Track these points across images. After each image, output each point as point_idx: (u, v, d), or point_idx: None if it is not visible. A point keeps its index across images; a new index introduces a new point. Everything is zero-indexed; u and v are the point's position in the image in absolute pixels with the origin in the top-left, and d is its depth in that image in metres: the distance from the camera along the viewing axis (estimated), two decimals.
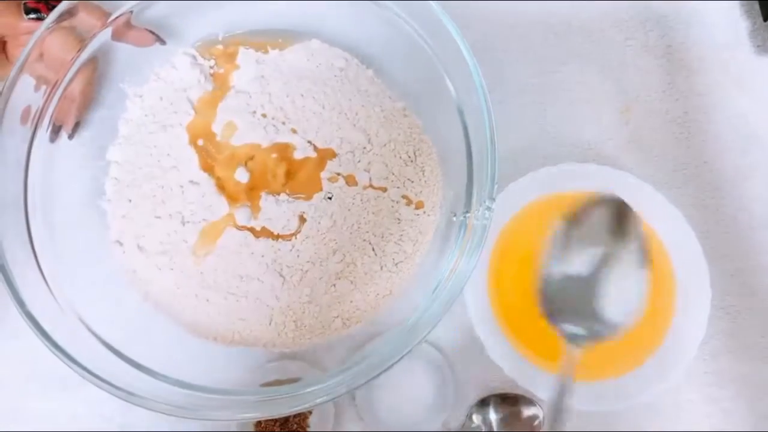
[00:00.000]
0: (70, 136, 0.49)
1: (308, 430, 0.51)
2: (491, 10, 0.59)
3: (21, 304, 0.40)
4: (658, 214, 0.50)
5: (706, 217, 0.56)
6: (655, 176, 0.56)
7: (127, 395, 0.39)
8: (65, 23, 0.44)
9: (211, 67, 0.51)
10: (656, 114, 0.58)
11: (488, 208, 0.41)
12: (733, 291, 0.54)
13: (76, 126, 0.49)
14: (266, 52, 0.52)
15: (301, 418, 0.51)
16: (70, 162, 0.49)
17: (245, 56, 0.52)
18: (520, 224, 0.51)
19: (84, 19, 0.45)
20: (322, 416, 0.51)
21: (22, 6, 0.47)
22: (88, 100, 0.50)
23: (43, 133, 0.46)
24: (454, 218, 0.46)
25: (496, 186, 0.41)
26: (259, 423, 0.51)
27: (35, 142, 0.46)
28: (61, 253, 0.45)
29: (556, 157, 0.57)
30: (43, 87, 0.46)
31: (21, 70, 0.44)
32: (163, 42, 0.50)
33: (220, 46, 0.52)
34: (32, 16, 0.47)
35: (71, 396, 0.52)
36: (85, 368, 0.39)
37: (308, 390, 0.41)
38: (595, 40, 0.60)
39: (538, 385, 0.47)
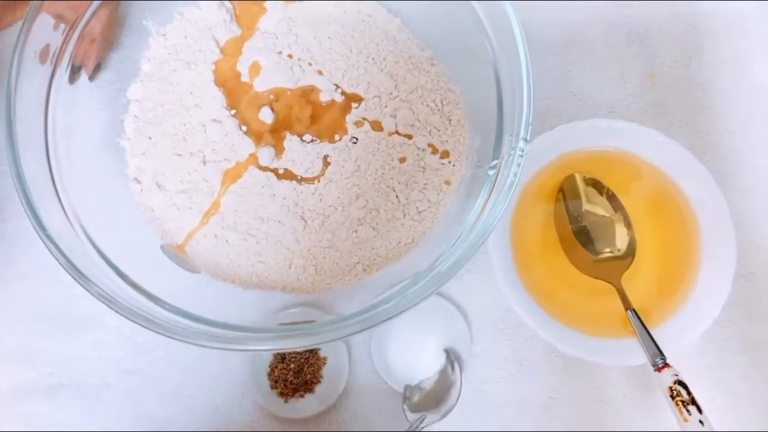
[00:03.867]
0: (91, 78, 0.48)
1: (322, 380, 0.50)
2: None
3: (42, 228, 0.39)
4: (685, 172, 0.50)
5: (728, 185, 0.55)
6: (677, 141, 0.56)
7: (144, 320, 0.38)
8: None
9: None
10: (681, 80, 0.58)
11: (521, 150, 0.40)
12: (754, 259, 0.54)
13: (97, 67, 0.48)
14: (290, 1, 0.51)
15: (316, 368, 0.50)
16: (89, 102, 0.48)
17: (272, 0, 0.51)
18: (546, 179, 0.50)
19: None
20: (336, 368, 0.50)
21: None
22: (110, 41, 0.49)
23: (63, 73, 0.46)
24: (480, 170, 0.45)
25: (530, 127, 0.40)
26: (273, 371, 0.50)
27: (54, 82, 0.45)
28: (80, 190, 0.44)
29: (580, 117, 0.56)
30: (62, 26, 0.45)
31: (39, 7, 0.43)
32: None
33: None
34: None
35: (79, 338, 0.51)
36: (102, 290, 0.38)
37: (322, 329, 0.40)
38: (622, 3, 0.59)
39: (560, 338, 0.47)
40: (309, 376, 0.50)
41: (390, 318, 0.39)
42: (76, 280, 0.38)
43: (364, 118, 0.48)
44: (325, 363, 0.51)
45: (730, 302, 0.50)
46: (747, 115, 0.57)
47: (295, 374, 0.50)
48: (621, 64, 0.58)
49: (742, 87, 0.58)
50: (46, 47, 0.45)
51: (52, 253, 0.39)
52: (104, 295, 0.38)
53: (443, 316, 0.52)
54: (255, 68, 0.49)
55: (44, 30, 0.44)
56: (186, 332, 0.38)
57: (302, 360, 0.50)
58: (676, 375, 0.44)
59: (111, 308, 0.38)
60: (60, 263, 0.39)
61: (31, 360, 0.51)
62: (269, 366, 0.50)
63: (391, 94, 0.48)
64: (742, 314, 0.53)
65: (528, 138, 0.40)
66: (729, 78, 0.58)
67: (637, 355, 0.46)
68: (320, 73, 0.49)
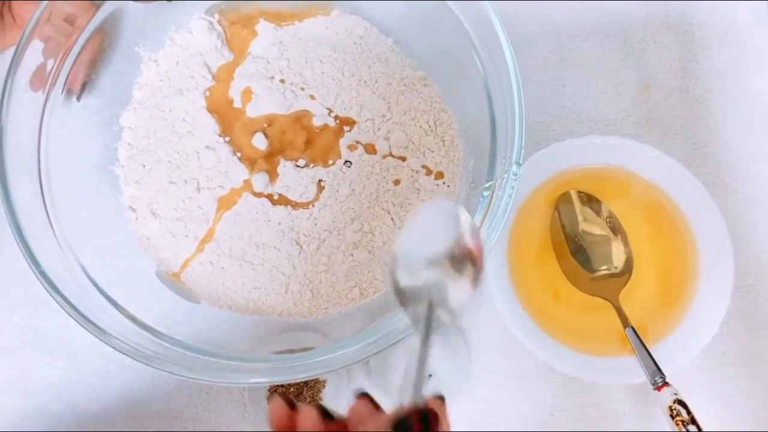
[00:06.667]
0: (78, 97, 0.47)
1: (321, 402, 0.50)
2: None
3: (36, 264, 0.39)
4: (681, 187, 0.49)
5: (725, 196, 0.55)
6: (673, 154, 0.55)
7: (137, 353, 0.38)
8: None
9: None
10: (676, 92, 0.58)
11: (515, 174, 0.40)
12: (752, 271, 0.54)
13: (84, 87, 0.48)
14: (281, 25, 0.51)
15: (315, 391, 0.50)
16: (82, 128, 0.48)
17: (262, 24, 0.51)
18: (541, 197, 0.50)
19: None
20: (336, 390, 0.50)
21: None
22: (95, 61, 0.49)
23: (55, 98, 0.45)
24: (475, 190, 0.45)
25: (523, 151, 0.40)
26: (271, 395, 0.50)
27: (47, 109, 0.45)
28: (74, 220, 0.44)
29: (575, 132, 0.56)
30: (54, 52, 0.45)
31: (32, 33, 0.43)
32: None
33: (235, 13, 0.51)
34: None
35: (78, 366, 0.51)
36: (95, 325, 0.38)
37: (320, 358, 0.40)
38: (615, 16, 0.59)
39: (558, 358, 0.46)
40: (309, 400, 0.50)
41: (391, 345, 0.39)
42: (71, 316, 0.38)
43: (357, 142, 0.48)
44: (324, 386, 0.51)
45: (729, 315, 0.50)
46: (742, 125, 0.57)
47: (295, 398, 0.50)
48: (615, 77, 0.58)
49: (737, 97, 0.58)
50: (38, 74, 0.44)
51: (46, 288, 0.39)
52: (100, 330, 0.38)
53: (440, 335, 0.52)
54: (247, 94, 0.49)
55: (35, 57, 0.44)
56: (185, 366, 0.38)
57: (301, 383, 0.50)
58: (676, 394, 0.44)
59: (110, 345, 0.38)
60: (54, 299, 0.39)
61: (30, 389, 0.51)
62: (268, 390, 0.50)
63: (384, 116, 0.48)
64: (741, 327, 0.53)
65: (521, 161, 0.40)
66: (723, 88, 0.58)
67: (637, 374, 0.46)
68: (313, 97, 0.49)
